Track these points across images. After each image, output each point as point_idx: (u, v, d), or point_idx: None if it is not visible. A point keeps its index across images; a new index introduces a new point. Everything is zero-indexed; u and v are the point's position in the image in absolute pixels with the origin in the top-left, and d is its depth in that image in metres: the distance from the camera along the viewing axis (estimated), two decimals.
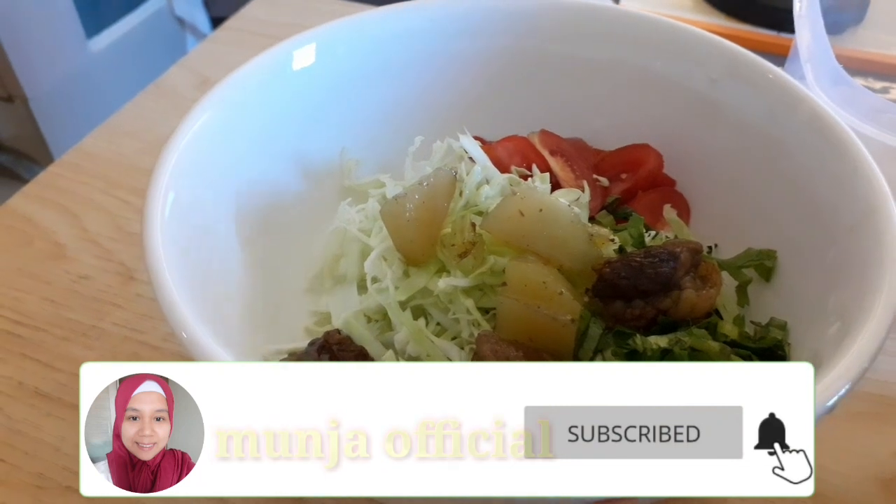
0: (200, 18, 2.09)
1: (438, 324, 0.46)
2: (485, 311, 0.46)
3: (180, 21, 2.07)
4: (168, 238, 0.38)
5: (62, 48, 1.74)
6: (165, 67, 0.85)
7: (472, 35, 0.55)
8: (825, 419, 0.34)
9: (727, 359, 0.40)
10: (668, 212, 0.53)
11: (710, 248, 0.54)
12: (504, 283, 0.44)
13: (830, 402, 0.33)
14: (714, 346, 0.40)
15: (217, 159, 0.46)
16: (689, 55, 0.53)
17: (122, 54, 1.90)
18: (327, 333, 0.43)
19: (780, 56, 0.74)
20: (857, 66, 0.94)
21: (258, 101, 0.48)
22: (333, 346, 0.42)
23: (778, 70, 0.50)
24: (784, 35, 1.01)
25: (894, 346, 0.56)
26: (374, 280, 0.47)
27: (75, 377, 0.54)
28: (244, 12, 0.92)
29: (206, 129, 0.44)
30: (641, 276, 0.42)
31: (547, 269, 0.42)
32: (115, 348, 0.56)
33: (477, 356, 0.40)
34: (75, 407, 0.52)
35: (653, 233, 0.50)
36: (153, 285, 0.37)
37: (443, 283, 0.44)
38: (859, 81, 0.93)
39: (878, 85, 0.93)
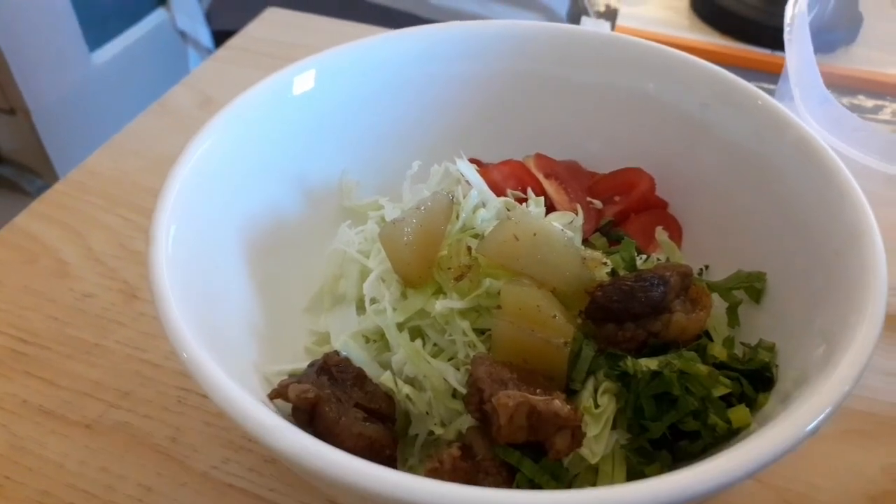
0: (202, 32, 2.11)
1: (435, 344, 0.47)
2: (480, 332, 0.47)
3: (182, 34, 2.09)
4: (172, 263, 0.40)
5: (65, 61, 1.76)
6: (167, 80, 0.87)
7: (468, 59, 0.57)
8: (812, 439, 0.35)
9: (715, 381, 0.41)
10: (660, 234, 0.55)
11: (701, 269, 0.55)
12: (499, 306, 0.45)
13: (812, 426, 0.34)
14: (703, 369, 0.41)
15: (220, 184, 0.47)
16: (681, 80, 0.55)
17: (125, 67, 1.92)
18: (326, 355, 0.44)
19: (774, 74, 0.75)
20: (850, 84, 0.96)
21: (260, 126, 0.50)
22: (332, 368, 0.43)
23: (766, 96, 0.52)
24: (778, 53, 1.03)
25: (884, 363, 0.58)
26: (373, 301, 0.48)
27: (79, 395, 0.55)
28: (246, 31, 0.94)
29: (209, 155, 0.45)
30: (632, 299, 0.43)
31: (541, 292, 0.43)
32: (118, 366, 0.57)
33: (472, 378, 0.42)
34: (78, 424, 0.53)
35: (644, 256, 0.51)
36: (157, 308, 0.38)
37: (439, 306, 0.45)
38: (851, 100, 0.95)
39: (870, 103, 0.94)
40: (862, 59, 0.96)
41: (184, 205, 0.43)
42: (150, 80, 1.93)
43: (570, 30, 0.57)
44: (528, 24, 0.57)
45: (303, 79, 0.51)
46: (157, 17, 2.01)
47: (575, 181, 0.56)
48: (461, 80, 0.57)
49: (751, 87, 0.52)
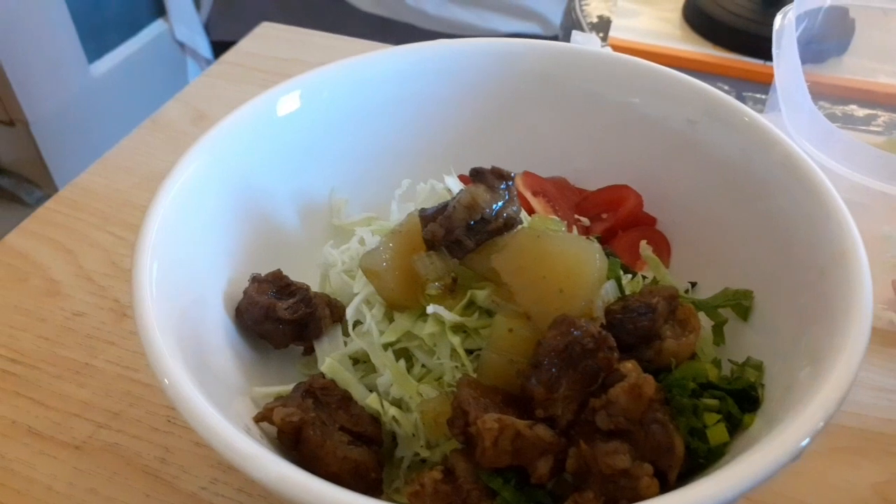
0: (201, 43, 2.12)
1: (423, 366, 0.47)
2: (469, 351, 0.47)
3: (181, 45, 2.10)
4: (156, 292, 0.40)
5: (64, 73, 1.77)
6: (166, 91, 0.87)
7: (454, 77, 0.57)
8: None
9: (701, 415, 0.41)
10: (644, 249, 0.54)
11: (690, 284, 0.55)
12: (486, 326, 0.45)
13: (793, 452, 0.33)
14: (688, 403, 0.41)
15: (204, 209, 0.47)
16: (668, 97, 0.55)
17: (124, 79, 1.93)
18: (312, 378, 0.44)
19: (767, 84, 0.75)
20: (842, 94, 0.96)
21: (244, 149, 0.50)
22: (317, 391, 0.43)
23: (753, 113, 0.52)
24: (770, 64, 1.03)
25: (874, 378, 0.58)
26: (357, 323, 0.48)
27: (68, 415, 0.55)
28: (240, 46, 0.94)
29: (191, 183, 0.45)
30: (621, 331, 0.43)
31: (530, 324, 0.43)
32: (108, 386, 0.57)
33: (456, 400, 0.41)
34: (68, 445, 0.53)
35: (629, 276, 0.51)
36: (140, 336, 0.38)
37: (431, 309, 0.45)
38: (844, 109, 0.95)
39: (863, 112, 0.94)
40: (854, 68, 0.96)
41: (166, 234, 0.43)
42: (148, 91, 1.94)
43: (555, 47, 0.57)
44: (513, 42, 0.57)
45: (287, 100, 0.52)
46: (155, 28, 2.02)
47: (563, 199, 0.56)
48: (448, 98, 0.57)
49: (737, 103, 0.52)
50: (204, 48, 2.11)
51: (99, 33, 1.86)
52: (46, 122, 1.75)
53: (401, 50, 0.55)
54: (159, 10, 2.03)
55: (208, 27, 2.14)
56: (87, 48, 1.81)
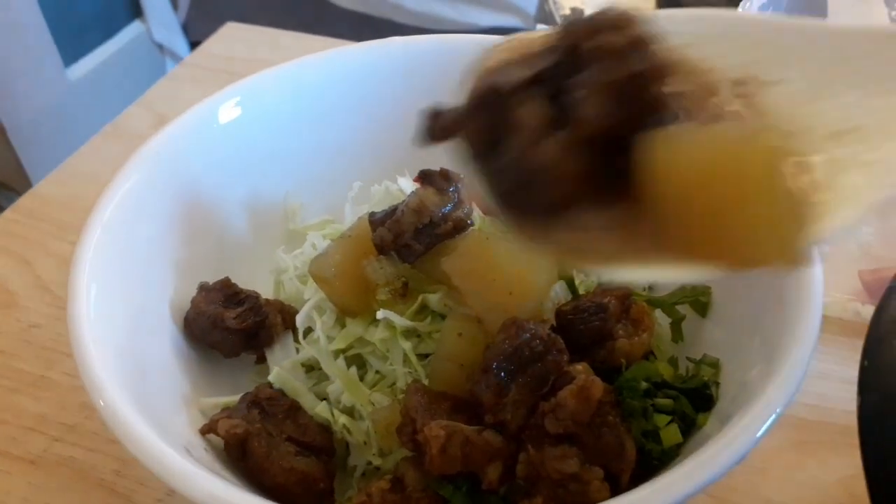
0: (179, 44, 2.10)
1: (377, 372, 0.47)
2: (424, 356, 0.47)
3: (159, 46, 2.08)
4: (94, 309, 0.40)
5: (40, 77, 1.75)
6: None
7: (405, 75, 0.56)
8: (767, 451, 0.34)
9: (650, 417, 0.40)
10: None
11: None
12: (439, 330, 0.44)
13: (738, 455, 0.33)
14: (637, 405, 0.40)
15: (147, 220, 0.46)
16: None
17: (102, 81, 1.91)
18: (258, 388, 0.44)
19: None
20: None
21: (187, 157, 0.49)
22: (263, 402, 0.42)
23: None
24: None
25: (841, 370, 0.57)
26: (308, 331, 0.47)
27: (23, 430, 0.54)
28: (204, 48, 0.93)
29: (133, 191, 0.45)
30: (573, 332, 0.42)
31: (480, 327, 0.42)
32: (64, 399, 0.56)
33: (404, 407, 0.41)
34: (22, 460, 0.52)
35: (582, 275, 0.50)
36: (75, 357, 0.37)
37: (381, 314, 0.44)
38: None
39: None
40: None
41: (106, 249, 0.42)
42: (128, 93, 1.91)
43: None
44: (463, 38, 0.56)
45: (227, 107, 0.51)
46: (133, 29, 2.00)
47: None
48: (399, 97, 0.56)
49: None
50: (182, 49, 2.09)
51: (75, 36, 1.84)
52: (24, 127, 1.74)
53: (349, 50, 0.54)
54: (136, 12, 2.01)
55: (186, 27, 2.12)
56: (62, 52, 1.79)
